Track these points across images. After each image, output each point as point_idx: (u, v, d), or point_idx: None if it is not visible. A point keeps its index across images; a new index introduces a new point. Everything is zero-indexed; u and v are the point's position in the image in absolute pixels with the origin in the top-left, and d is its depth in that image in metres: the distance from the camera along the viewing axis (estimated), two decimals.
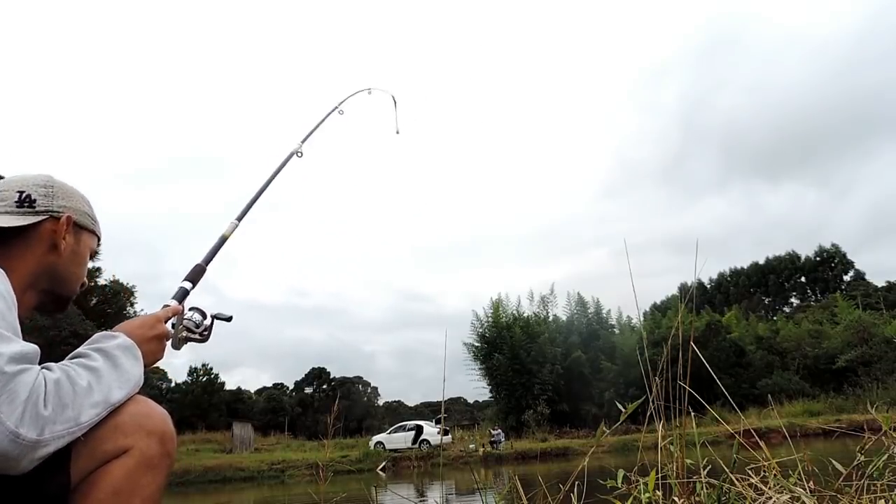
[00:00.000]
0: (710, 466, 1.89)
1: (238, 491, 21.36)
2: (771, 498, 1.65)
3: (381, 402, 66.74)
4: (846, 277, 66.91)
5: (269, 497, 19.63)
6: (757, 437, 1.90)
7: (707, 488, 1.84)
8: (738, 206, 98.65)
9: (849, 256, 68.21)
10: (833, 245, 69.03)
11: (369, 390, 64.99)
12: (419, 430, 28.33)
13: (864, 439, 1.85)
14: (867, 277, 62.46)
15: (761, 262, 74.03)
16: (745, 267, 75.16)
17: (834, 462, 1.84)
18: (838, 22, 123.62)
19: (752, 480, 1.76)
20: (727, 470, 1.81)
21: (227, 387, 54.32)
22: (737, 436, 1.90)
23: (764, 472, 1.79)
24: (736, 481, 1.77)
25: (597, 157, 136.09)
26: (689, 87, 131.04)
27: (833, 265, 68.75)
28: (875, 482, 1.77)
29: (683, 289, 39.68)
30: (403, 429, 29.33)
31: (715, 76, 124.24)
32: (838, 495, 1.71)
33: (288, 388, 61.55)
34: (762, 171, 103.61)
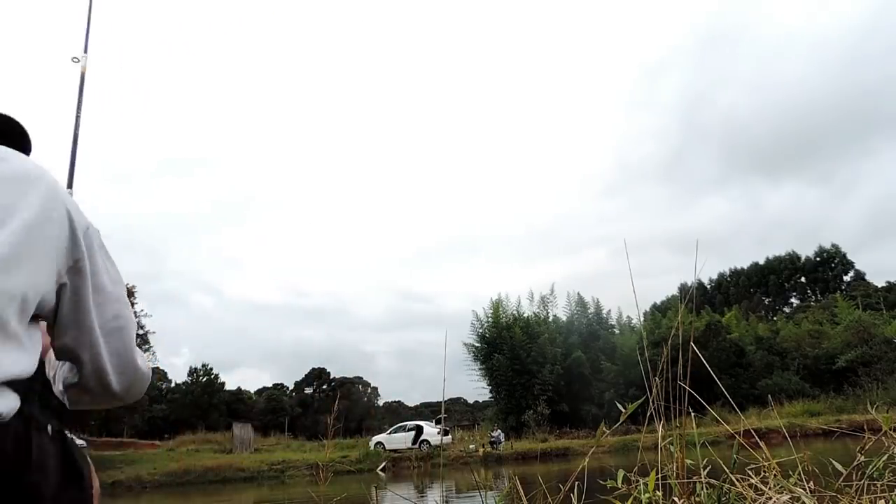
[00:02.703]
0: (710, 467, 1.89)
1: (238, 491, 21.37)
2: (771, 498, 1.65)
3: (381, 402, 66.76)
4: (846, 278, 66.92)
5: (269, 497, 19.62)
6: (757, 438, 1.90)
7: (707, 488, 1.84)
8: (738, 205, 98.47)
9: (849, 256, 68.17)
10: (833, 245, 69.04)
11: (369, 391, 65.00)
12: (419, 430, 28.33)
13: (864, 440, 1.85)
14: (867, 278, 62.49)
15: (761, 262, 74.02)
16: (745, 267, 75.17)
17: (834, 462, 1.84)
18: (839, 19, 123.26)
19: (753, 481, 1.76)
20: (727, 470, 1.81)
21: (227, 387, 54.40)
22: (737, 436, 1.90)
23: (764, 472, 1.78)
24: (736, 481, 1.77)
25: (596, 156, 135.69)
26: (689, 84, 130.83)
27: (833, 265, 68.74)
28: (875, 482, 1.77)
29: (683, 289, 39.71)
30: (403, 429, 29.32)
31: (715, 73, 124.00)
32: (838, 495, 1.71)
33: (288, 388, 61.57)
34: (763, 169, 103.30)
